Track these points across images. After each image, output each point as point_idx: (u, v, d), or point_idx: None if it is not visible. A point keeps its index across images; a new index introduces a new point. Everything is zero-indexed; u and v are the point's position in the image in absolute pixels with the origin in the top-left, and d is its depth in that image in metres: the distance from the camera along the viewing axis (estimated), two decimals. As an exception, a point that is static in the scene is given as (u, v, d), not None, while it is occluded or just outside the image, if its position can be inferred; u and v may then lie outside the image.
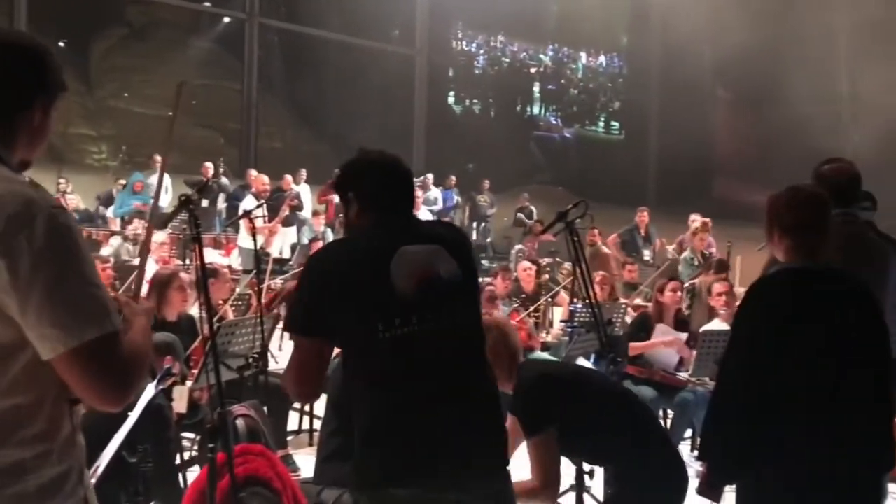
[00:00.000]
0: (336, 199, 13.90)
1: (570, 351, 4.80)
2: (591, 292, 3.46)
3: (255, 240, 4.60)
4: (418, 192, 12.98)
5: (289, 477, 2.76)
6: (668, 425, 5.85)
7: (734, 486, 2.68)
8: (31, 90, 1.54)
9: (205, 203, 12.61)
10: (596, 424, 3.05)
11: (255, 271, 5.26)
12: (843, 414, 2.48)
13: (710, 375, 5.29)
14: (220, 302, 5.46)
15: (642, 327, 6.07)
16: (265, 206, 9.80)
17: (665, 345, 5.85)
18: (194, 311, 4.59)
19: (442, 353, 2.08)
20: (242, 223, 8.63)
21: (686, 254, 9.08)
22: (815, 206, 2.66)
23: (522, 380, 3.09)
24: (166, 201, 11.71)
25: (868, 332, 2.55)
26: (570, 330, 5.46)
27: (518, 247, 11.57)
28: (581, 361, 3.51)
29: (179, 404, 4.00)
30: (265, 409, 4.19)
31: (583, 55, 21.63)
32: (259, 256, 4.75)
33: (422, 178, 15.37)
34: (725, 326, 5.66)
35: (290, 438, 5.57)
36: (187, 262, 9.13)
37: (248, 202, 9.74)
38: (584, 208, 3.49)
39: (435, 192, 15.15)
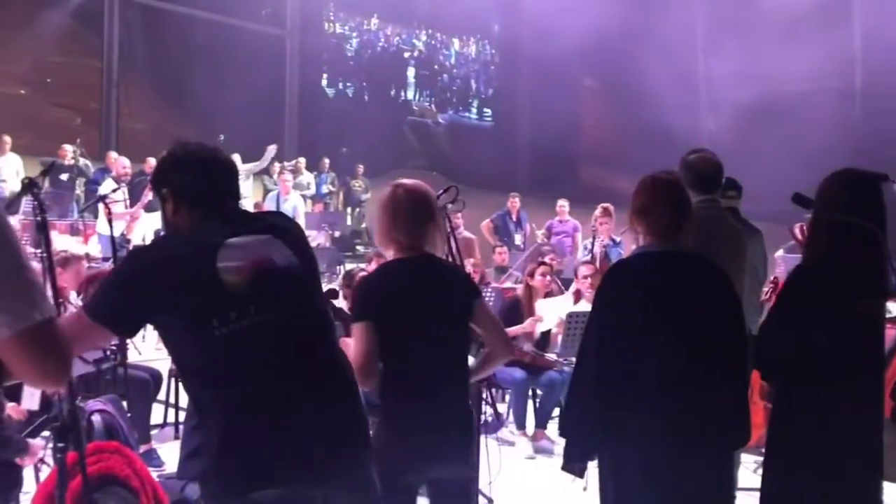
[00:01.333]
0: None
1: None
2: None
3: (111, 226, 4.35)
4: (287, 177, 12.72)
5: (147, 474, 2.64)
6: (538, 405, 6.02)
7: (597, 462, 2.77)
8: None
9: (63, 187, 11.91)
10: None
11: (112, 259, 4.99)
12: (696, 391, 2.60)
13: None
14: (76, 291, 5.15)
15: (513, 311, 6.20)
16: (126, 190, 9.35)
17: (525, 332, 6.03)
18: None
19: (289, 341, 2.01)
20: (100, 208, 8.18)
21: (588, 241, 9.24)
22: (670, 191, 2.78)
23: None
24: (18, 185, 10.96)
25: (721, 312, 2.68)
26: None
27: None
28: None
29: (31, 401, 3.76)
30: (125, 403, 3.99)
31: (455, 41, 21.77)
32: (116, 243, 4.50)
33: (293, 162, 15.07)
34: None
35: (154, 432, 5.36)
36: (40, 249, 8.58)
37: (105, 186, 9.24)
38: (455, 193, 3.50)
39: (308, 177, 14.90)
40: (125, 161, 10.05)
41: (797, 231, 4.14)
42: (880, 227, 2.58)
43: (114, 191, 6.43)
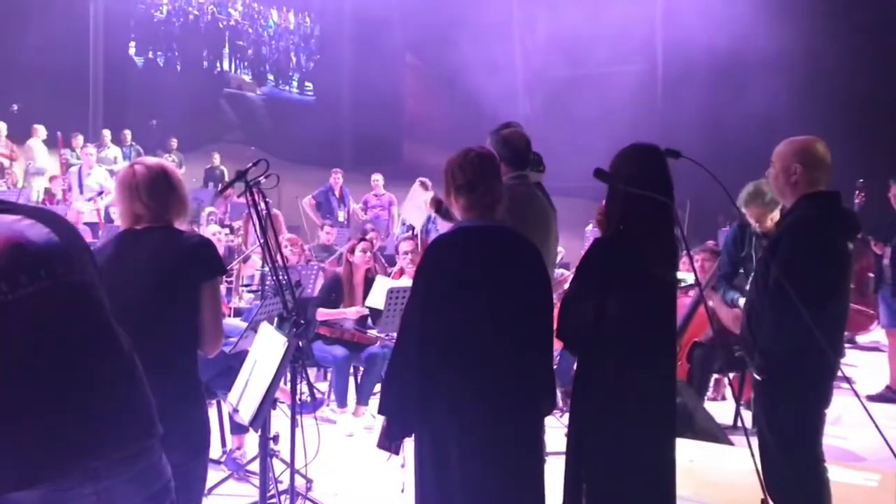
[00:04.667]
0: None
1: (257, 315, 4.67)
2: (272, 254, 3.37)
3: None
4: (90, 150, 11.91)
5: None
6: (359, 381, 6.00)
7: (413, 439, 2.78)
8: None
9: None
10: None
11: None
12: (508, 362, 2.66)
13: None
14: None
15: (333, 289, 6.13)
16: None
17: (351, 316, 5.99)
18: None
19: (49, 319, 1.80)
20: None
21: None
22: (485, 166, 2.81)
23: None
24: None
25: (530, 285, 2.76)
26: (258, 294, 5.34)
27: (209, 209, 11.06)
28: (266, 325, 3.41)
29: None
30: None
31: (273, 12, 21.13)
32: None
33: (101, 134, 14.11)
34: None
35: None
36: None
37: None
38: (266, 167, 3.38)
39: (114, 151, 13.97)
40: None
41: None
42: (669, 198, 2.73)
43: None
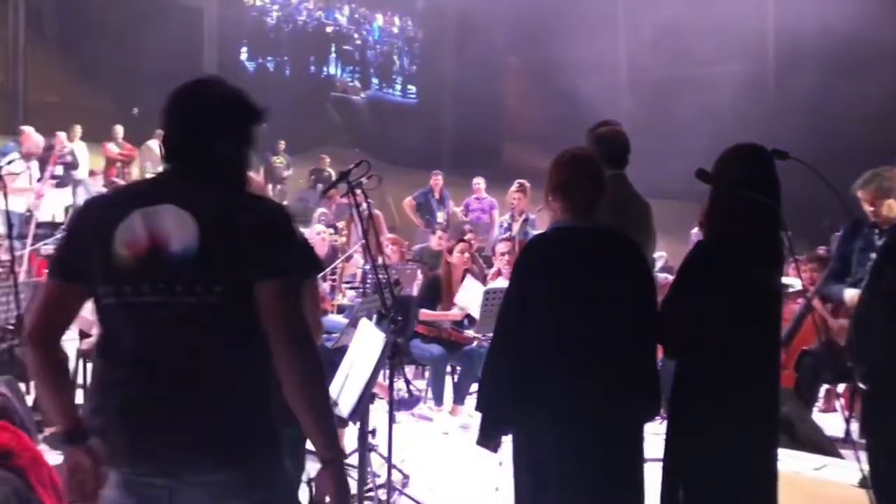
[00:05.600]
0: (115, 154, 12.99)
1: (356, 312, 4.78)
2: (373, 254, 3.45)
3: (6, 200, 4.13)
4: None
5: (39, 454, 2.53)
6: (456, 381, 6.05)
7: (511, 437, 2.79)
8: None
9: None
10: None
11: (9, 234, 4.77)
12: (607, 367, 2.63)
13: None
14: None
15: (432, 290, 6.20)
16: (36, 165, 8.97)
17: (450, 318, 6.05)
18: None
19: (164, 331, 1.84)
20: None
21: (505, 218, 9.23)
22: (581, 166, 2.79)
23: None
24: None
25: (634, 288, 2.72)
26: (360, 292, 5.45)
27: (321, 210, 11.40)
28: (365, 321, 3.49)
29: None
30: (24, 385, 3.84)
31: (379, 17, 21.51)
32: (13, 218, 4.29)
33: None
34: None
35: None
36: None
37: (4, 160, 8.81)
38: (367, 168, 3.46)
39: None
40: (39, 140, 9.57)
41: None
42: (776, 201, 2.64)
43: (9, 162, 6.13)
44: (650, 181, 4.11)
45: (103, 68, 16.88)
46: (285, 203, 15.65)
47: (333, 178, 15.35)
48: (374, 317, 4.59)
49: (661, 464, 2.83)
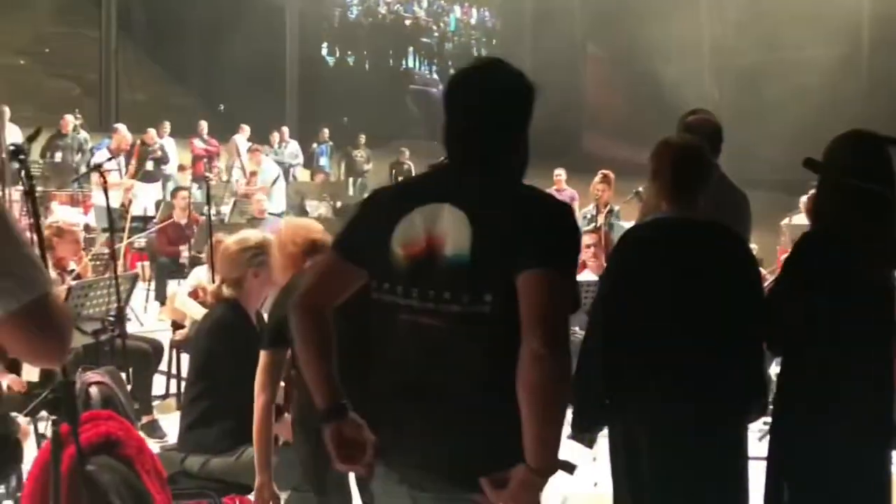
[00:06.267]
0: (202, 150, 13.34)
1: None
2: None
3: (107, 195, 4.28)
4: (264, 148, 12.42)
5: (144, 443, 2.60)
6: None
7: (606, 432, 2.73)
8: None
9: (59, 157, 11.84)
10: None
11: (109, 229, 4.94)
12: (709, 364, 2.53)
13: (581, 325, 5.42)
14: (75, 260, 5.13)
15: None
16: (122, 161, 9.29)
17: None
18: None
19: (424, 338, 1.78)
20: (94, 179, 8.12)
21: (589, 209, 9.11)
22: (681, 155, 2.69)
23: None
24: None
25: (736, 280, 2.60)
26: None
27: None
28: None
29: (30, 373, 3.74)
30: (124, 375, 3.97)
31: (457, 8, 21.51)
32: (112, 213, 4.44)
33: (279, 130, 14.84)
34: (594, 277, 5.80)
35: (155, 403, 5.35)
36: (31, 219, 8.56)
37: (99, 156, 9.17)
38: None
39: (294, 146, 14.72)
40: (128, 136, 9.95)
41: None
42: (890, 191, 2.50)
43: (108, 160, 6.38)
44: (736, 170, 3.94)
45: (189, 67, 17.40)
46: (365, 196, 15.79)
47: (413, 171, 15.57)
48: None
49: (764, 462, 2.72)
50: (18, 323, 1.39)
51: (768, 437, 2.74)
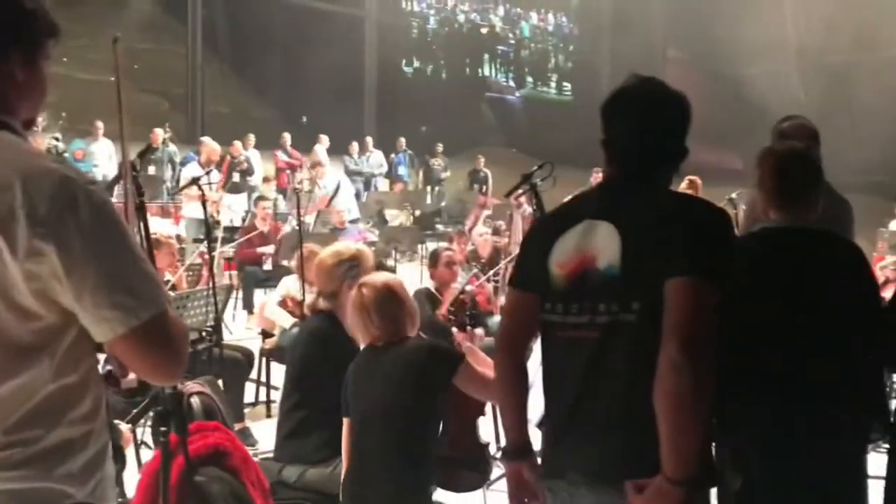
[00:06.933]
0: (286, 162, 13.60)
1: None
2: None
3: (205, 208, 4.40)
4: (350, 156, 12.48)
5: (248, 454, 2.64)
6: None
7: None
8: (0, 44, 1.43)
9: (151, 170, 12.25)
10: None
11: (205, 240, 5.06)
12: (821, 381, 2.40)
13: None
14: (171, 271, 5.27)
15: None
16: (213, 173, 9.53)
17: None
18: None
19: (578, 350, 1.84)
20: (190, 191, 8.37)
21: None
22: (782, 162, 2.59)
23: None
24: (111, 169, 11.31)
25: (850, 292, 2.48)
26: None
27: (486, 212, 11.52)
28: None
29: (129, 380, 3.83)
30: (220, 383, 4.05)
31: (533, 15, 21.44)
32: (209, 225, 4.56)
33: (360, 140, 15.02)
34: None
35: (246, 411, 5.44)
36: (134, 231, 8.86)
37: (191, 169, 9.43)
38: (550, 170, 3.39)
39: (378, 156, 14.86)
40: (217, 148, 10.21)
41: None
42: None
43: (206, 173, 6.56)
44: (827, 175, 3.78)
45: (271, 79, 17.80)
46: (443, 205, 15.90)
47: (490, 178, 15.58)
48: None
49: (881, 482, 2.59)
50: (138, 340, 1.41)
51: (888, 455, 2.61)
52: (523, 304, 1.98)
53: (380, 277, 2.91)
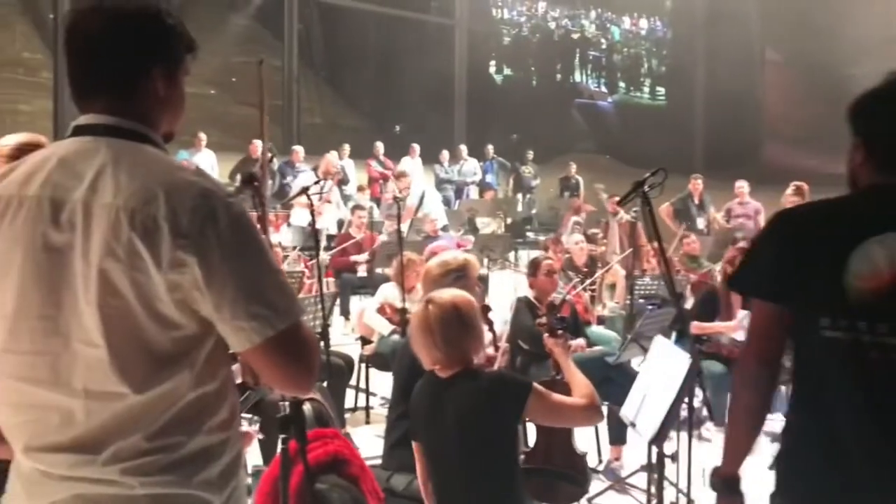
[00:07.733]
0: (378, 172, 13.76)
1: (643, 326, 4.59)
2: (668, 265, 3.28)
3: (313, 217, 4.48)
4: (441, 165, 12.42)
5: (365, 463, 2.64)
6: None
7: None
8: (144, 59, 1.48)
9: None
10: None
11: (313, 249, 5.15)
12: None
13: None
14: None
15: (709, 303, 5.79)
16: (325, 185, 9.79)
17: (727, 329, 5.62)
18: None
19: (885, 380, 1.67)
20: (295, 200, 8.64)
21: None
22: None
23: None
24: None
25: None
26: (650, 306, 5.22)
27: (574, 219, 11.37)
28: (662, 339, 3.31)
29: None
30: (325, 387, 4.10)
31: (626, 20, 21.12)
32: (317, 233, 4.64)
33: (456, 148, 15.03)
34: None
35: (346, 416, 5.51)
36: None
37: (304, 178, 9.71)
38: (664, 177, 3.29)
39: (472, 164, 14.86)
40: (335, 162, 10.41)
41: None
42: None
43: (316, 182, 6.72)
44: None
45: (364, 90, 18.06)
46: (534, 212, 15.78)
47: (581, 185, 15.39)
48: (673, 335, 4.40)
49: None
50: (273, 350, 1.42)
51: None
52: (779, 318, 1.79)
53: (447, 295, 2.70)
